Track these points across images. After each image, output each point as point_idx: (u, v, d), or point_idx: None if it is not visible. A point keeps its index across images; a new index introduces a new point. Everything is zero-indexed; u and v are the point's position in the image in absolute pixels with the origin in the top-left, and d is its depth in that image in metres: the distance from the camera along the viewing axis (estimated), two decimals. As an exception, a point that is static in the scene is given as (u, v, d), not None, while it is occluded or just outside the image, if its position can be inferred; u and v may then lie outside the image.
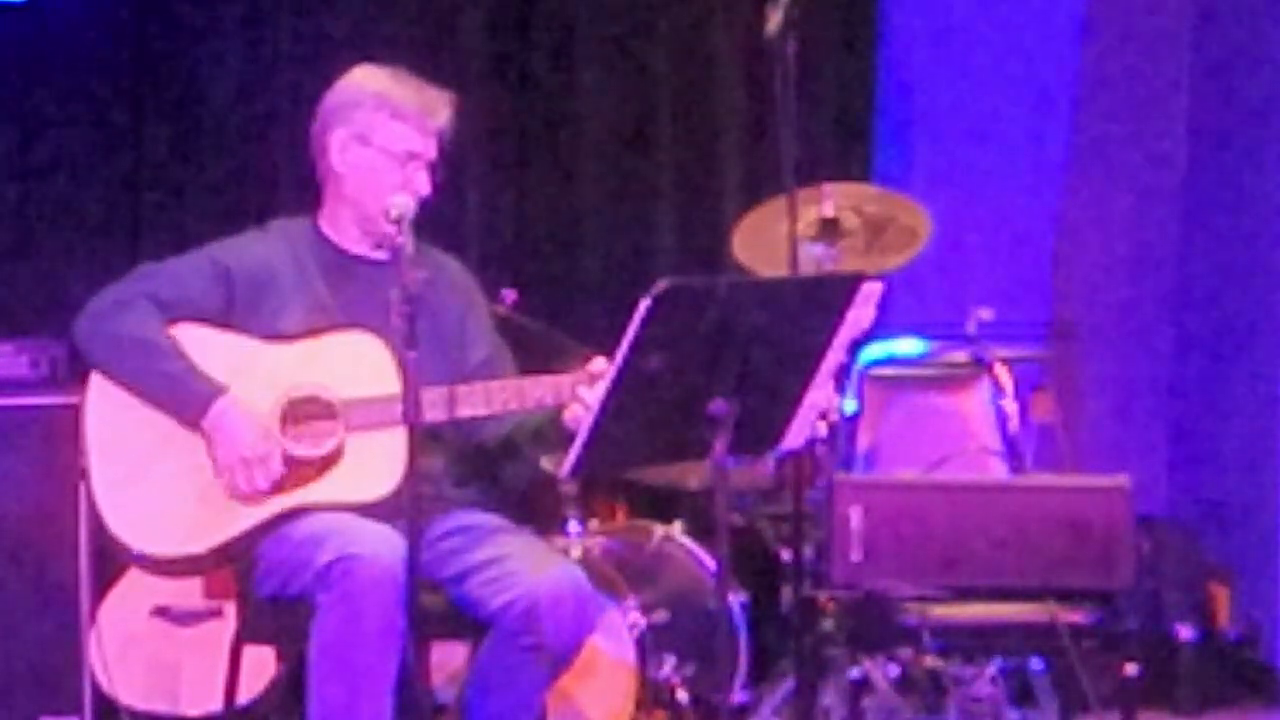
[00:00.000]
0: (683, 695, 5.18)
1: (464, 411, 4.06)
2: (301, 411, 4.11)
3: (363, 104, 4.22)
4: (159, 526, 4.08)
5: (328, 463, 4.09)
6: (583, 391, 3.99)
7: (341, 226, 4.28)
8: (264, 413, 4.09)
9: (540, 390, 4.08)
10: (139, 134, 5.88)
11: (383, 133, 4.20)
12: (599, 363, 3.95)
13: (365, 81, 4.26)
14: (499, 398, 4.08)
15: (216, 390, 4.07)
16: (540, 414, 4.15)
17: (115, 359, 4.12)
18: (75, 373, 4.89)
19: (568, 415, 4.05)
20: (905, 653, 4.88)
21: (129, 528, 4.09)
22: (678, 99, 6.24)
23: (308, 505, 4.07)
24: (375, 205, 4.18)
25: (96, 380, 4.15)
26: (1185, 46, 6.46)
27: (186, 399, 4.08)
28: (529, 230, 6.18)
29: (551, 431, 4.13)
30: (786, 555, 5.28)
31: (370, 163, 4.22)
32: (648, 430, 3.74)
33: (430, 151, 4.22)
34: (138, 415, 4.11)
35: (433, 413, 4.00)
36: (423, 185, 4.20)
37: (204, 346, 4.13)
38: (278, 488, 4.07)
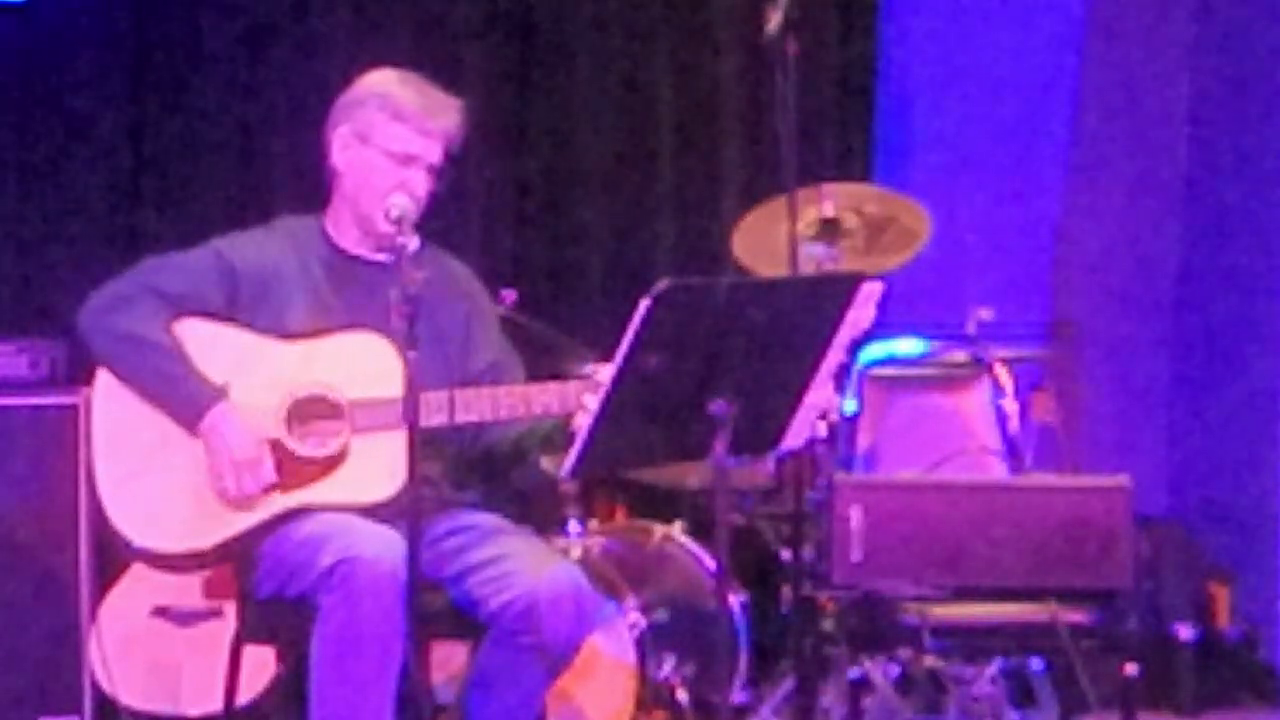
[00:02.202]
0: (683, 695, 5.17)
1: (468, 416, 4.06)
2: (307, 411, 4.11)
3: (366, 103, 4.23)
4: (161, 522, 4.09)
5: (332, 463, 4.09)
6: (588, 399, 3.98)
7: (344, 227, 4.29)
8: (268, 411, 4.09)
9: (545, 397, 4.08)
10: (139, 134, 5.88)
11: (382, 132, 4.21)
12: (605, 371, 3.94)
13: (373, 83, 4.27)
14: (504, 403, 4.08)
15: (213, 396, 4.08)
16: (549, 421, 4.14)
17: (115, 354, 4.12)
18: (75, 373, 4.91)
19: (574, 424, 4.03)
20: (905, 653, 4.88)
21: (131, 522, 4.09)
22: (678, 99, 6.24)
23: (311, 505, 4.07)
24: (371, 205, 4.18)
25: (103, 374, 4.16)
26: (1185, 46, 6.46)
27: (183, 402, 4.08)
28: (529, 230, 6.18)
29: (560, 439, 4.10)
30: (786, 555, 5.28)
31: (368, 161, 4.22)
32: (648, 430, 3.74)
33: (431, 155, 4.21)
34: (143, 410, 4.11)
35: (436, 416, 4.00)
36: (419, 187, 4.19)
37: (210, 341, 4.13)
38: (271, 491, 4.07)
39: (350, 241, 4.28)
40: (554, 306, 5.86)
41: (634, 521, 5.52)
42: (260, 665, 4.84)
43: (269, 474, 4.07)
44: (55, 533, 5.03)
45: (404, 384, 3.80)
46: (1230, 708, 5.94)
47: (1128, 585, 4.54)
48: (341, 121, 4.25)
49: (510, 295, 5.18)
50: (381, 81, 4.27)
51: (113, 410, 4.14)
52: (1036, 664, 5.08)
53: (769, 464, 5.29)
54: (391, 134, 4.20)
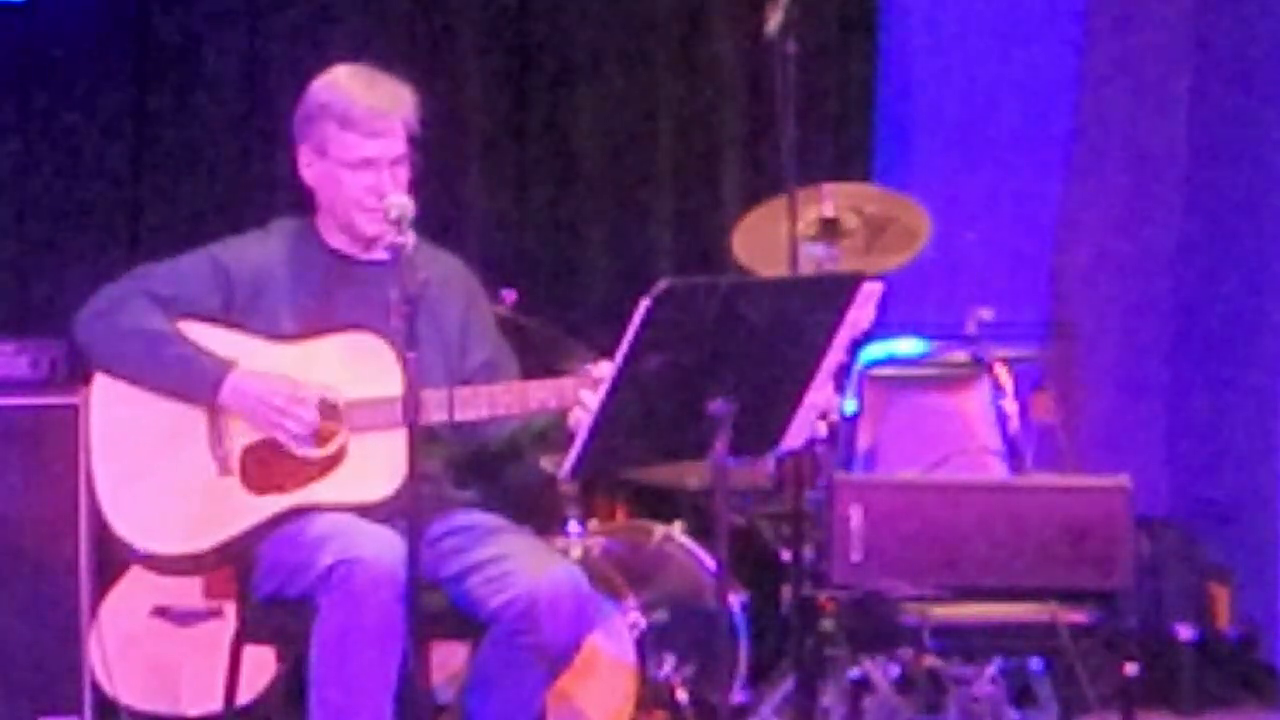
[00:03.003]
0: (683, 695, 5.18)
1: (466, 414, 4.06)
2: (304, 412, 4.11)
3: (315, 116, 4.21)
4: (160, 524, 4.09)
5: (331, 463, 4.09)
6: (585, 395, 3.98)
7: (332, 232, 4.29)
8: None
9: (543, 393, 4.08)
10: (139, 134, 5.88)
11: (335, 144, 4.19)
12: (603, 367, 3.94)
13: (319, 91, 4.24)
14: (501, 400, 4.08)
15: (226, 366, 4.08)
16: (544, 417, 4.14)
17: (119, 353, 4.12)
18: (75, 373, 4.91)
19: (571, 419, 4.04)
20: (905, 653, 4.88)
21: (130, 525, 4.10)
22: (678, 99, 6.23)
23: (310, 505, 4.07)
24: (347, 213, 4.20)
25: (101, 378, 4.16)
26: (1186, 45, 6.46)
27: (197, 380, 4.08)
28: (529, 230, 6.18)
29: (555, 435, 4.11)
30: (786, 555, 5.28)
31: (331, 174, 4.21)
32: (648, 430, 3.74)
33: (391, 151, 4.18)
34: (141, 413, 4.11)
35: (435, 414, 4.00)
36: (388, 184, 4.16)
37: (207, 344, 4.13)
38: (280, 487, 4.07)
39: (341, 243, 4.29)
40: (554, 306, 5.86)
41: (634, 521, 5.53)
42: (260, 665, 4.84)
43: (314, 399, 4.05)
44: (55, 533, 5.03)
45: (404, 383, 3.81)
46: (1230, 708, 5.94)
47: (1128, 585, 4.53)
48: (301, 139, 4.24)
49: (510, 295, 5.18)
50: (328, 87, 4.23)
51: (110, 414, 4.14)
52: (1036, 664, 5.08)
53: (769, 464, 5.28)
54: (344, 143, 4.18)
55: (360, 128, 4.17)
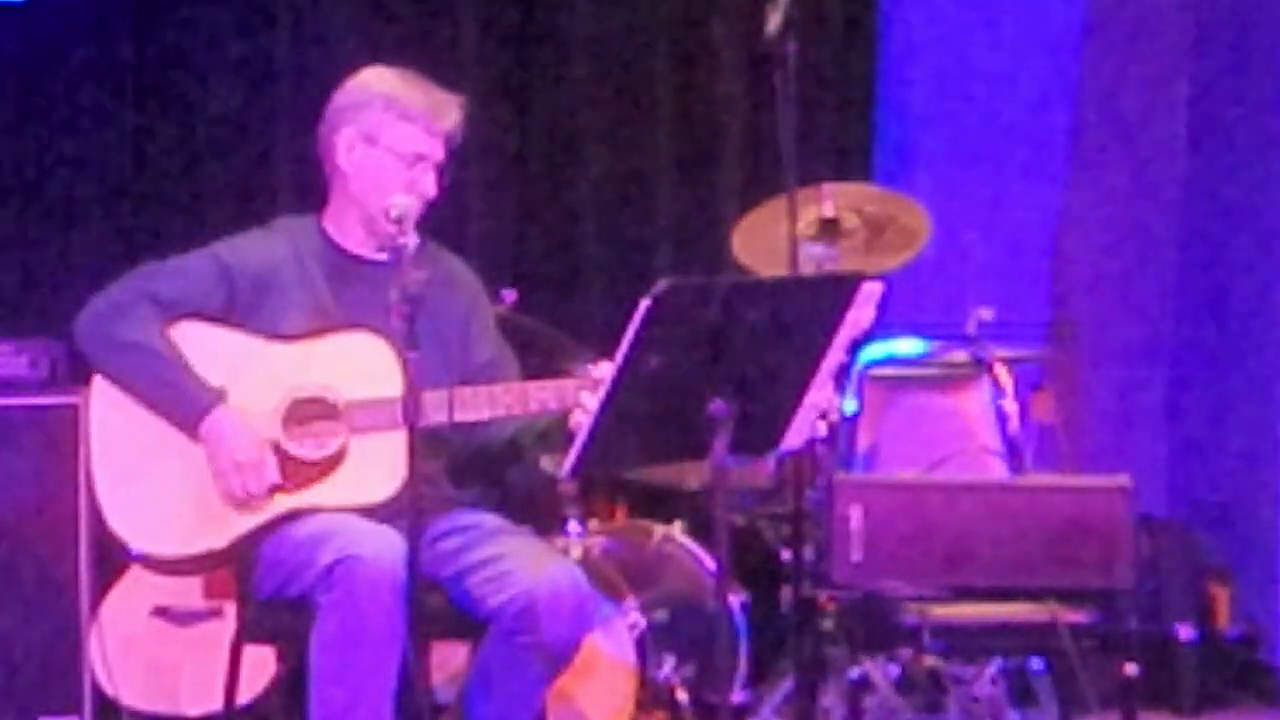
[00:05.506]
0: (683, 695, 5.17)
1: (466, 415, 4.06)
2: (305, 412, 4.10)
3: (371, 104, 4.22)
4: (160, 526, 4.09)
5: (331, 464, 4.08)
6: (585, 397, 3.98)
7: (346, 227, 4.28)
8: (266, 413, 4.09)
9: (544, 394, 4.07)
10: (139, 134, 5.89)
11: (390, 133, 4.20)
12: (604, 368, 3.93)
13: (374, 82, 4.26)
14: (502, 401, 4.08)
15: (213, 399, 4.08)
16: (545, 418, 4.14)
17: (113, 362, 4.12)
18: (75, 373, 4.90)
19: (572, 421, 4.03)
20: (905, 653, 4.88)
21: (130, 526, 4.10)
22: (677, 99, 6.24)
23: (310, 507, 4.07)
24: (380, 205, 4.17)
25: (100, 380, 4.16)
26: (1186, 47, 6.46)
27: (182, 406, 4.08)
28: (529, 230, 6.18)
29: (557, 436, 4.11)
30: (786, 555, 5.28)
31: (377, 163, 4.21)
32: (648, 430, 3.74)
33: (437, 154, 4.22)
34: (141, 414, 4.11)
35: (435, 415, 4.00)
36: (429, 187, 4.20)
37: (207, 345, 4.13)
38: (274, 491, 4.07)
39: (353, 242, 4.28)
40: (554, 306, 5.86)
41: (634, 521, 5.52)
42: (260, 665, 4.83)
43: (272, 474, 4.07)
44: (55, 533, 5.03)
45: (404, 384, 3.81)
46: (1230, 708, 5.95)
47: (1128, 585, 4.54)
48: (345, 124, 4.23)
49: (510, 295, 5.18)
50: (383, 81, 4.25)
51: (110, 416, 4.14)
52: (1036, 664, 5.08)
53: (769, 464, 5.29)
54: (400, 135, 4.20)
55: (420, 123, 4.20)
